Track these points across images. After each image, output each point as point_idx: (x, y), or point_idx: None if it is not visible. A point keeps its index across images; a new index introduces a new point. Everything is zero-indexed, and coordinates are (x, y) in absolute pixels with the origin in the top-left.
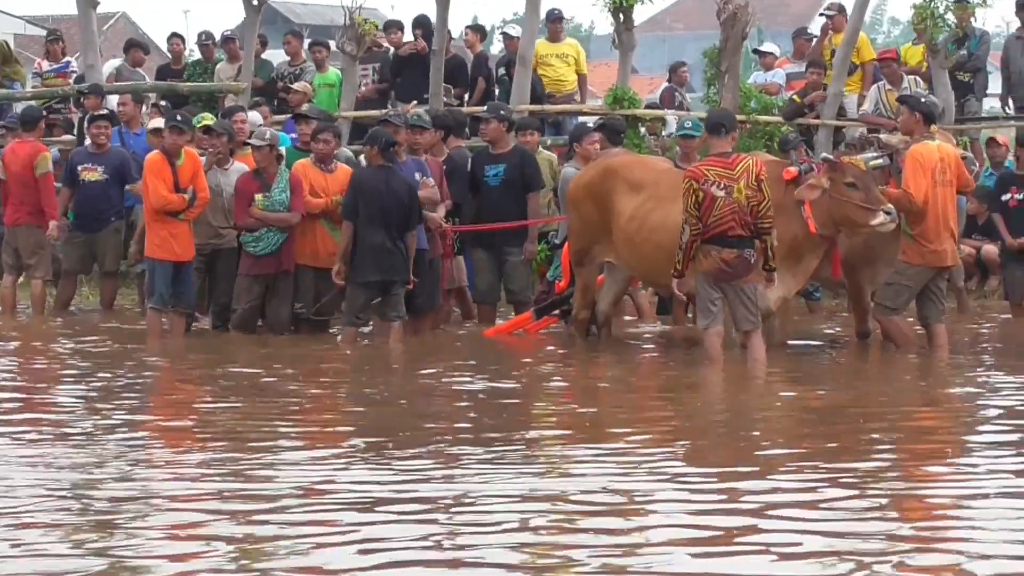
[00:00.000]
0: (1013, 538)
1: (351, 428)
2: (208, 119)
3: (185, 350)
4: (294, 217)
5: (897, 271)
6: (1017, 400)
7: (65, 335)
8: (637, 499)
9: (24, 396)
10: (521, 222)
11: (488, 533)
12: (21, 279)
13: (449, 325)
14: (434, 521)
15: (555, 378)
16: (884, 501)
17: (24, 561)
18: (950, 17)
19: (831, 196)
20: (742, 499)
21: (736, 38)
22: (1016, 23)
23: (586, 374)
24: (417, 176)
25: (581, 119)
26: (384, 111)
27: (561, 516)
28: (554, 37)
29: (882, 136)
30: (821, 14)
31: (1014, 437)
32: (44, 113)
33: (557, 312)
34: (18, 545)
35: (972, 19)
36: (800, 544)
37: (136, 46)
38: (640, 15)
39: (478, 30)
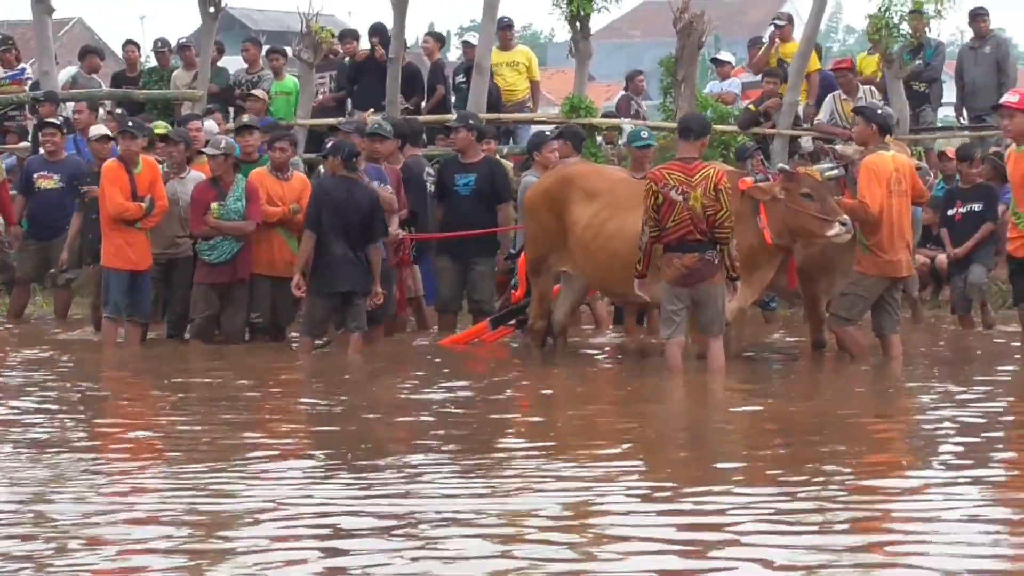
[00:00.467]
0: (972, 552)
1: (312, 441)
2: (162, 127)
3: (141, 359)
4: (249, 226)
5: (853, 281)
6: (971, 411)
7: (18, 344)
8: (597, 513)
9: None
10: (483, 231)
11: (452, 549)
12: None
13: (405, 335)
14: (399, 537)
15: (511, 390)
16: (844, 515)
17: None
18: (905, 27)
19: (787, 206)
20: (702, 513)
21: (692, 47)
22: (970, 33)
23: (543, 385)
24: (376, 184)
25: (539, 127)
26: (341, 119)
27: (524, 530)
28: (505, 45)
29: (837, 147)
30: (771, 23)
31: (970, 449)
32: None
33: (513, 322)
34: None
35: (927, 29)
36: (762, 559)
37: (92, 52)
38: (597, 22)
39: (437, 38)
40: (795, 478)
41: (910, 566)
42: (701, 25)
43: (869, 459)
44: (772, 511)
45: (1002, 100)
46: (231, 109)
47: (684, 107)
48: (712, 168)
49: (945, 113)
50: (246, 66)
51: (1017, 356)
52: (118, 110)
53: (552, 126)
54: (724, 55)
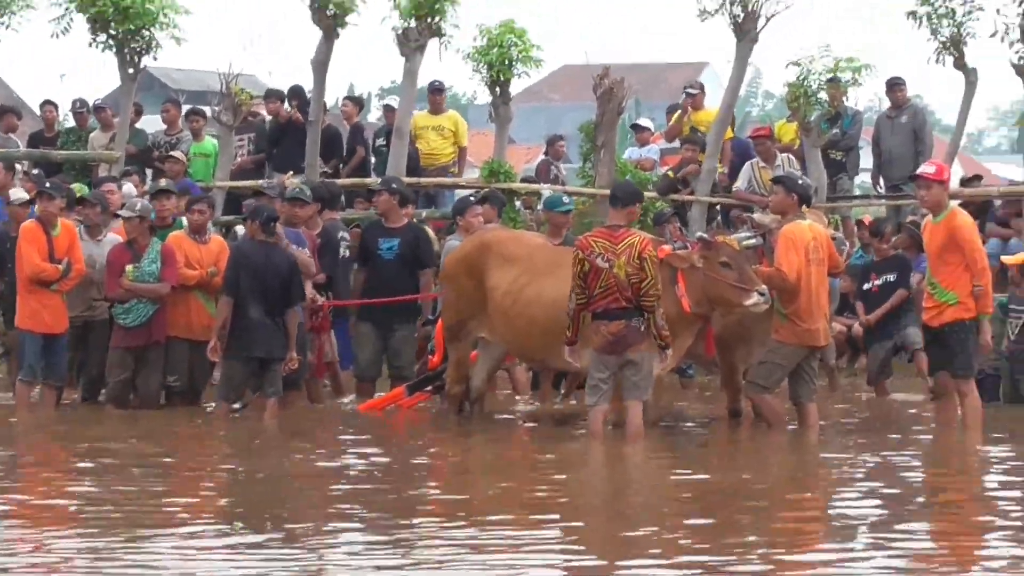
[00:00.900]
0: None
1: (227, 510)
2: (80, 189)
3: (55, 423)
4: (164, 288)
5: (770, 350)
6: (888, 480)
7: None
8: None
9: None
10: (402, 297)
11: None
12: None
13: (322, 400)
14: None
15: (428, 457)
16: None
17: None
18: (823, 95)
19: (705, 275)
20: None
21: (612, 113)
22: (888, 101)
23: (461, 452)
24: (294, 248)
25: (463, 192)
26: (260, 182)
27: None
28: (435, 109)
29: (755, 215)
30: (684, 91)
31: (884, 517)
32: None
33: (430, 387)
34: None
35: (844, 98)
36: None
37: (9, 111)
38: (518, 85)
39: (356, 101)
40: (714, 550)
41: None
42: (621, 91)
43: (787, 529)
44: None
45: (919, 171)
46: (149, 171)
47: (603, 173)
48: (637, 236)
49: (862, 179)
50: (164, 127)
51: (933, 424)
52: (35, 171)
53: (473, 191)
54: (643, 121)
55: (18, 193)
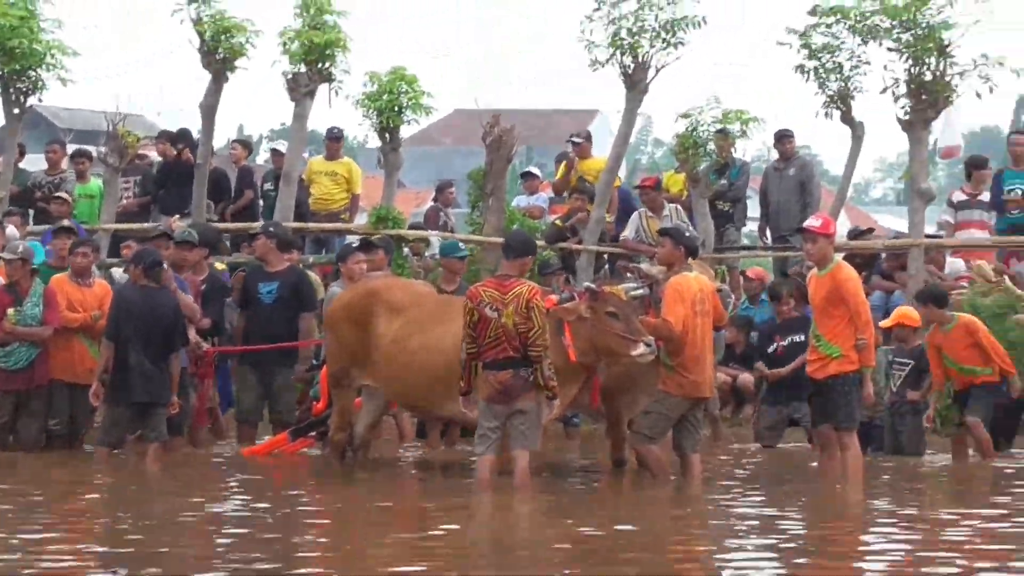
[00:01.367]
0: None
1: (105, 560)
2: None
3: None
4: (46, 331)
5: (656, 400)
6: (766, 533)
7: None
8: None
9: None
10: (286, 344)
11: None
12: None
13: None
14: None
15: (311, 505)
16: None
17: None
18: (712, 147)
19: (592, 325)
20: None
21: (501, 161)
22: (776, 153)
23: (343, 500)
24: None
25: (352, 237)
26: (149, 224)
27: None
28: (331, 155)
29: (642, 266)
30: (568, 140)
31: (766, 569)
32: None
33: (314, 433)
34: None
35: (733, 149)
36: None
37: None
38: (407, 130)
39: (245, 144)
40: None
41: None
42: (511, 139)
43: None
44: None
45: (805, 224)
46: (31, 212)
47: (492, 220)
48: (525, 286)
49: (750, 228)
50: (46, 167)
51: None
52: None
53: (358, 237)
54: (533, 169)
55: None
